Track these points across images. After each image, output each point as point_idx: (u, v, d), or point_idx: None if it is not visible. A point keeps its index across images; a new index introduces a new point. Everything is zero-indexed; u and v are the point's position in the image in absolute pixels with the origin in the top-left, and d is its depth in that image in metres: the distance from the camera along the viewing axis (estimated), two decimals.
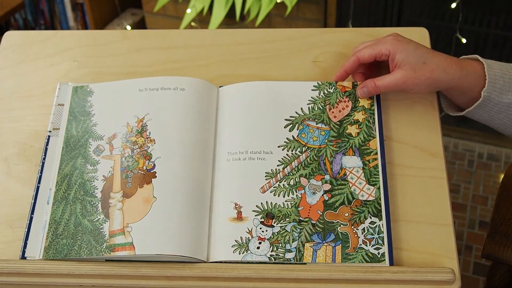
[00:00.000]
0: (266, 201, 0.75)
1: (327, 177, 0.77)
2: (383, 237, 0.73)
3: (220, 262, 0.72)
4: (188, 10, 2.15)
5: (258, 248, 0.73)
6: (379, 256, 0.71)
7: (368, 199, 0.75)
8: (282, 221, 0.74)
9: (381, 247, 0.72)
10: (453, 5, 1.86)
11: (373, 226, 0.73)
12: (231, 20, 2.20)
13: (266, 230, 0.74)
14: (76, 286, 0.73)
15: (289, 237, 0.73)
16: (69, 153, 0.80)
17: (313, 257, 0.72)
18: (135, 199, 0.75)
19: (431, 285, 0.70)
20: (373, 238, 0.72)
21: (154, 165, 0.77)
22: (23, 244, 0.75)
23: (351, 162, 0.78)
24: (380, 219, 0.74)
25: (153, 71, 0.91)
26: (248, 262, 0.72)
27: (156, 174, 0.76)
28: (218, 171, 0.79)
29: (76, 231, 0.74)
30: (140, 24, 2.54)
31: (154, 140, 0.79)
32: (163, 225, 0.72)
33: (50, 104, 0.86)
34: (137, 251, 0.71)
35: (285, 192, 0.76)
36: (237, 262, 0.72)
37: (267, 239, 0.73)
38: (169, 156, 0.77)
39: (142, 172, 0.77)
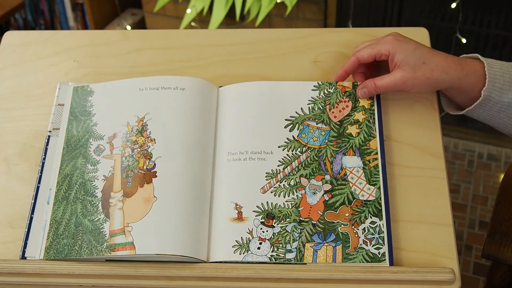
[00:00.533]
0: (267, 202, 0.75)
1: (327, 177, 0.77)
2: (383, 237, 0.73)
3: (220, 262, 0.72)
4: (188, 10, 2.15)
5: (258, 248, 0.73)
6: (379, 256, 0.71)
7: (369, 199, 0.75)
8: (282, 221, 0.74)
9: (381, 247, 0.72)
10: (453, 5, 1.86)
11: (373, 226, 0.73)
12: (231, 20, 2.20)
13: (267, 231, 0.74)
14: (76, 286, 0.73)
15: (289, 238, 0.73)
16: (70, 153, 0.80)
17: (314, 257, 0.72)
18: (135, 199, 0.75)
19: (431, 285, 0.70)
20: (374, 238, 0.72)
21: (155, 164, 0.77)
22: (23, 244, 0.75)
23: (352, 162, 0.78)
24: (381, 219, 0.74)
25: (153, 71, 0.91)
26: (248, 262, 0.72)
27: (156, 174, 0.76)
28: (218, 171, 0.79)
29: (77, 231, 0.74)
30: (140, 24, 2.54)
31: (154, 139, 0.79)
32: (163, 224, 0.72)
33: (50, 104, 0.86)
34: (137, 250, 0.71)
35: (286, 192, 0.76)
36: (237, 262, 0.72)
37: (268, 239, 0.73)
38: (170, 156, 0.77)
39: (143, 172, 0.77)
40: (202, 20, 2.24)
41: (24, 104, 0.89)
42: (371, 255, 0.72)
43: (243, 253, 0.72)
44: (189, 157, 0.78)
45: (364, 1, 2.03)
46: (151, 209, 0.73)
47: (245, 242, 0.73)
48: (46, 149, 0.81)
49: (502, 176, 1.26)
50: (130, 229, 0.72)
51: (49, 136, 0.82)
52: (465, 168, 2.03)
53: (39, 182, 0.79)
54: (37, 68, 0.93)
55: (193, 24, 2.24)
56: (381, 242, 0.72)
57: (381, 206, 0.75)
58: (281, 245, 0.73)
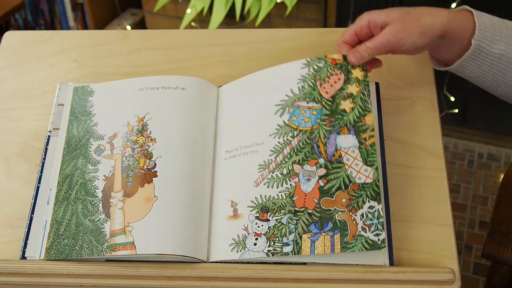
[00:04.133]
0: (260, 195, 0.73)
1: (321, 161, 0.73)
2: (382, 222, 0.69)
3: (220, 262, 0.72)
4: (188, 10, 2.15)
5: (255, 244, 0.71)
6: (379, 243, 0.68)
7: (366, 182, 0.71)
8: (277, 213, 0.71)
9: (380, 233, 0.68)
10: (453, 5, 1.86)
11: (372, 211, 0.69)
12: (231, 20, 2.20)
13: (262, 225, 0.72)
14: (76, 286, 0.73)
15: (285, 230, 0.71)
16: (70, 153, 0.80)
17: (312, 249, 0.69)
18: (136, 199, 0.75)
19: (431, 285, 0.70)
20: (373, 223, 0.69)
21: (155, 164, 0.77)
22: (23, 244, 0.75)
23: (346, 141, 0.73)
24: (379, 202, 0.70)
25: (153, 71, 0.91)
26: (248, 262, 0.71)
27: (157, 173, 0.76)
28: (217, 171, 0.79)
29: (78, 231, 0.74)
30: (140, 24, 2.54)
31: (154, 139, 0.79)
32: (164, 224, 0.72)
33: (50, 104, 0.86)
34: (138, 250, 0.71)
35: (279, 182, 0.73)
36: (237, 262, 0.72)
37: (263, 234, 0.71)
38: (170, 155, 0.77)
39: (143, 171, 0.77)
40: (202, 20, 2.24)
41: (24, 104, 0.89)
42: (370, 242, 0.68)
43: (240, 251, 0.71)
44: (190, 156, 0.78)
45: (364, 1, 2.03)
46: (152, 209, 0.73)
47: (241, 239, 0.71)
48: (46, 149, 0.81)
49: (502, 176, 1.26)
50: (131, 229, 0.72)
51: (49, 136, 0.82)
52: (465, 168, 2.03)
53: (39, 182, 0.79)
54: (37, 68, 0.93)
55: (193, 24, 2.24)
56: (380, 228, 0.68)
57: (379, 188, 0.70)
58: (277, 238, 0.70)
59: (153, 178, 0.76)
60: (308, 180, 0.72)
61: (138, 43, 0.95)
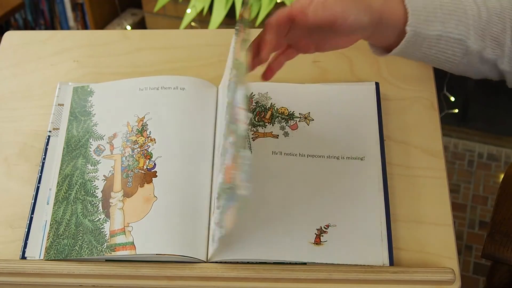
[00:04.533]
0: (218, 183, 0.69)
1: (233, 127, 0.65)
2: (249, 171, 0.59)
3: (220, 262, 0.72)
4: (188, 10, 2.15)
5: (214, 235, 0.70)
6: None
7: (243, 129, 0.63)
8: (220, 198, 0.68)
9: (247, 184, 0.60)
10: None
11: (245, 162, 0.61)
12: (231, 20, 2.20)
13: (216, 215, 0.69)
14: (76, 286, 0.73)
15: (223, 213, 0.67)
16: (70, 153, 0.80)
17: (225, 226, 0.66)
18: (135, 199, 0.75)
19: (431, 285, 0.70)
20: (245, 177, 0.61)
21: (155, 164, 0.77)
22: (23, 244, 0.75)
23: (239, 95, 0.65)
24: (247, 148, 0.60)
25: (153, 71, 0.91)
26: (248, 262, 0.71)
27: (156, 174, 0.76)
28: (214, 170, 0.79)
29: (77, 231, 0.74)
30: (140, 24, 2.54)
31: (154, 139, 0.79)
32: (163, 224, 0.72)
33: (50, 104, 0.86)
34: (137, 250, 0.71)
35: (222, 166, 0.69)
36: (237, 262, 0.72)
37: (217, 222, 0.69)
38: (170, 156, 0.77)
39: (143, 172, 0.77)
40: (202, 20, 2.24)
41: (24, 104, 0.89)
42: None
43: (213, 245, 0.70)
44: (189, 157, 0.78)
45: None
46: (151, 209, 0.73)
47: (213, 233, 0.71)
48: (46, 149, 0.81)
49: (502, 176, 1.26)
50: (131, 229, 0.72)
51: (49, 136, 0.83)
52: (465, 168, 2.03)
53: (39, 182, 0.79)
54: (37, 68, 0.93)
55: (193, 24, 2.24)
56: (247, 169, 0.59)
57: (245, 131, 0.60)
58: (219, 223, 0.68)
59: (153, 178, 0.76)
60: (227, 152, 0.65)
61: (138, 43, 0.95)
